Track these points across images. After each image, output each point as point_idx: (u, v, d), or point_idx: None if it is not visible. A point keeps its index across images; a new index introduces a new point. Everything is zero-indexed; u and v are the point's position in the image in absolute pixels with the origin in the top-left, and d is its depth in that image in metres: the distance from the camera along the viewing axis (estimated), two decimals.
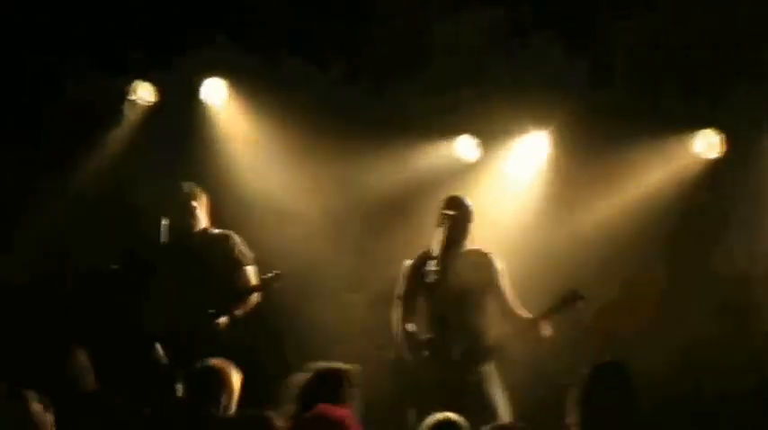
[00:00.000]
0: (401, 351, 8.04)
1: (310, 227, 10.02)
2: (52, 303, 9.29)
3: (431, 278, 7.88)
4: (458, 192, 8.41)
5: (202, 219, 8.68)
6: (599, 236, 9.51)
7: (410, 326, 8.05)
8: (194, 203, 8.62)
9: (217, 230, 8.74)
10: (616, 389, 5.38)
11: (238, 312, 8.52)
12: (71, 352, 6.67)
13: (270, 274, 8.50)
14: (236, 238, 8.72)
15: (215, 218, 8.99)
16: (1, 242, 9.74)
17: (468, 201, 8.25)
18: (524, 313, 7.98)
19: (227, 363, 6.56)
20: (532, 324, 7.92)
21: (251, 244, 9.01)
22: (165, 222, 8.64)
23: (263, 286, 8.52)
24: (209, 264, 8.52)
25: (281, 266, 8.84)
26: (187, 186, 8.69)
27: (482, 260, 8.15)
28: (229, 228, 9.03)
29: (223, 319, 8.43)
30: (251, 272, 8.64)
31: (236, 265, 8.60)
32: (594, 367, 5.50)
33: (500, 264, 8.15)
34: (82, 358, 6.73)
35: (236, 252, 8.64)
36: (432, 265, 7.92)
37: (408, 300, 8.14)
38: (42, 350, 7.04)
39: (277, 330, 9.75)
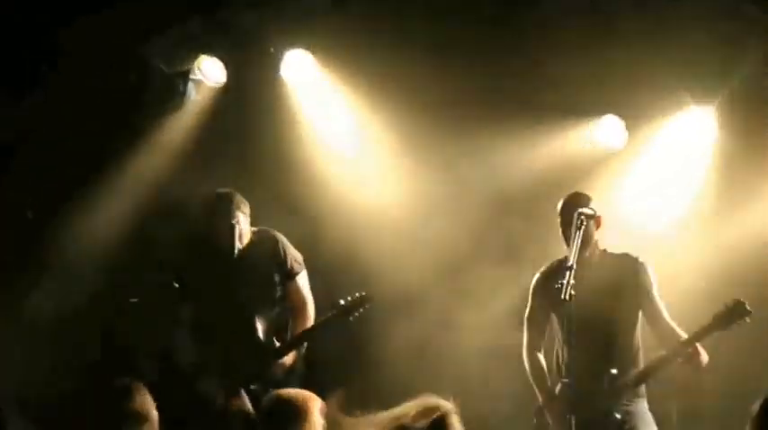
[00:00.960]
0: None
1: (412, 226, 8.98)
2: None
3: (567, 293, 6.52)
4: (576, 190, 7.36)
5: (246, 234, 7.63)
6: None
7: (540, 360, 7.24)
8: (237, 218, 7.56)
9: (258, 233, 7.70)
10: None
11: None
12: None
13: (353, 297, 7.44)
14: (284, 240, 7.72)
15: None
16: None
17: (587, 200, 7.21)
18: (680, 332, 6.99)
19: (306, 394, 5.77)
20: (690, 345, 6.87)
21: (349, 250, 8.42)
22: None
23: (344, 313, 7.50)
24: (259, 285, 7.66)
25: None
26: (227, 198, 7.61)
27: (632, 266, 7.16)
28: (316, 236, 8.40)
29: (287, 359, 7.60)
30: (304, 281, 7.74)
31: (289, 276, 7.69)
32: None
33: (653, 272, 7.17)
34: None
35: (290, 260, 7.71)
36: (568, 277, 6.57)
37: (537, 323, 7.25)
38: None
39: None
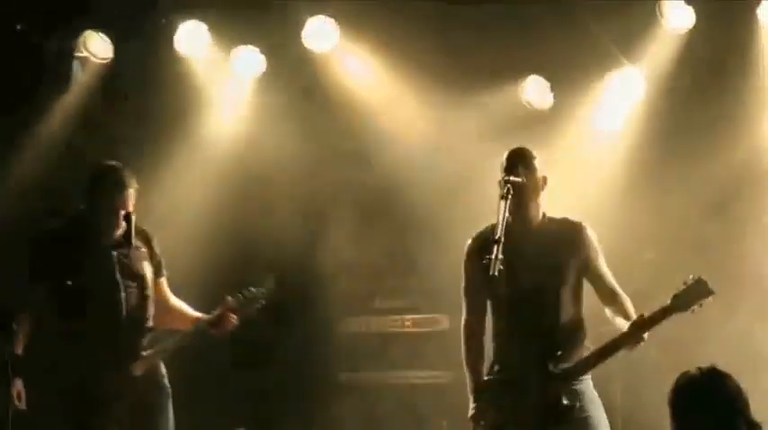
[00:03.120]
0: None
1: None
2: None
3: (495, 268, 5.94)
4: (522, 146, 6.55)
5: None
6: (704, 206, 8.29)
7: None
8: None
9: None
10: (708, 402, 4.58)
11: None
12: None
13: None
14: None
15: None
16: None
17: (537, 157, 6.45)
18: (628, 304, 6.39)
19: None
20: (647, 328, 6.17)
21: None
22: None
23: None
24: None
25: None
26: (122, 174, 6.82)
27: (571, 233, 6.45)
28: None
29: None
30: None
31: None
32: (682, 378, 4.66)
33: (595, 237, 6.49)
34: None
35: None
36: (495, 251, 5.98)
37: (475, 296, 6.48)
38: None
39: None
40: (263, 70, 8.88)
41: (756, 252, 8.21)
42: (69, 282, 6.56)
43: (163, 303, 6.86)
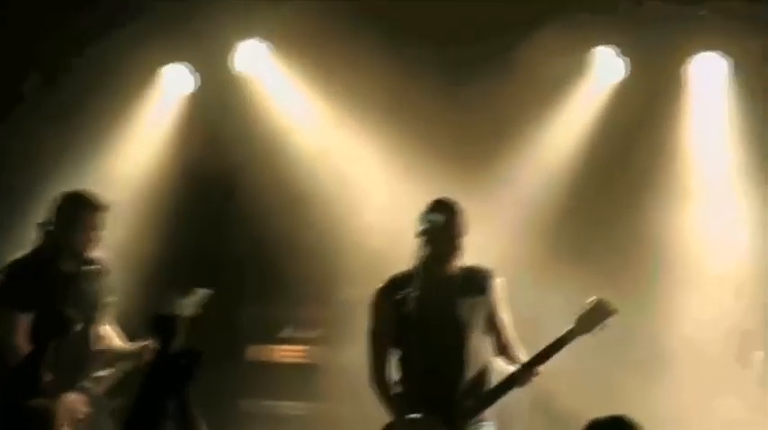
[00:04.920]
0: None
1: None
2: None
3: (409, 307, 6.21)
4: (445, 196, 6.55)
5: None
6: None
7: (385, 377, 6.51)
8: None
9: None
10: None
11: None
12: None
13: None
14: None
15: None
16: None
17: (459, 205, 6.45)
18: (522, 354, 6.40)
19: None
20: (545, 359, 6.24)
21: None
22: None
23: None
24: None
25: None
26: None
27: (481, 279, 6.48)
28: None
29: None
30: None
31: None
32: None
33: (502, 287, 6.51)
34: None
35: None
36: (411, 291, 6.23)
37: (381, 338, 6.47)
38: None
39: None
40: (193, 88, 8.88)
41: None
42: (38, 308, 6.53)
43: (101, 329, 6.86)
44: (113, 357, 6.90)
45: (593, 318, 6.21)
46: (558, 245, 8.49)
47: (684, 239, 8.38)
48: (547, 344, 6.22)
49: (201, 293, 6.77)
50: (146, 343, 6.65)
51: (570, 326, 6.19)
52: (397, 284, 6.38)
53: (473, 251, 6.46)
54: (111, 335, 6.95)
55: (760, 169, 8.26)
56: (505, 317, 6.46)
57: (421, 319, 6.23)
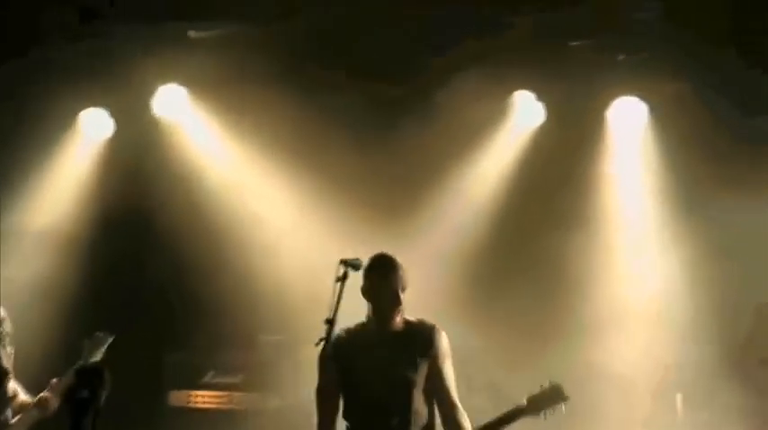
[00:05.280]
0: None
1: None
2: None
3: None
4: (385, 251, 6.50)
5: None
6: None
7: None
8: None
9: None
10: None
11: None
12: None
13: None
14: None
15: None
16: None
17: (397, 260, 6.40)
18: (466, 421, 6.32)
19: None
20: None
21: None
22: None
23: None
24: None
25: None
26: None
27: (424, 335, 6.42)
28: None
29: None
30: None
31: None
32: None
33: (446, 343, 6.42)
34: None
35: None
36: (327, 332, 6.05)
37: (329, 396, 6.38)
38: None
39: None
40: (112, 133, 8.83)
41: None
42: None
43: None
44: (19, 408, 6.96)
45: (545, 400, 6.23)
46: (481, 285, 8.50)
47: (606, 276, 8.46)
48: (495, 418, 6.24)
49: (104, 338, 6.76)
50: (46, 395, 6.76)
51: (521, 404, 6.21)
52: (342, 341, 6.33)
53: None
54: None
55: (676, 205, 8.39)
56: (449, 374, 6.40)
57: (366, 377, 6.23)
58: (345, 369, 6.28)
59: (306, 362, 6.51)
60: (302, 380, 6.80)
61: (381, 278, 6.31)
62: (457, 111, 8.40)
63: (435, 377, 6.36)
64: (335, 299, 6.09)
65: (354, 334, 6.38)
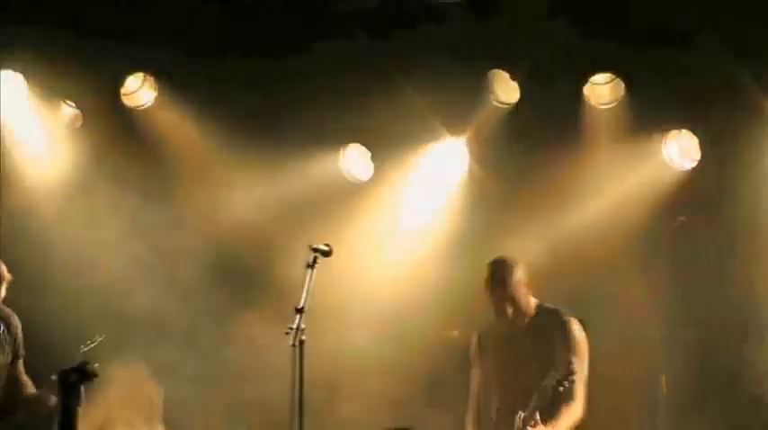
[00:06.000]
0: None
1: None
2: None
3: (296, 340, 5.97)
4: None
5: None
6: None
7: None
8: None
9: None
10: None
11: None
12: None
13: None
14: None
15: None
16: None
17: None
18: None
19: None
20: None
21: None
22: None
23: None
24: None
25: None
26: None
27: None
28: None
29: None
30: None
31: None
32: None
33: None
34: None
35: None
36: (297, 321, 5.98)
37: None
38: None
39: None
40: (79, 124, 8.59)
41: None
42: None
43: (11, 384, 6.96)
44: None
45: None
46: None
47: None
48: None
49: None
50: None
51: None
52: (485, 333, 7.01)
53: None
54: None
55: None
56: None
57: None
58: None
59: None
60: None
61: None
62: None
63: None
64: (306, 286, 6.00)
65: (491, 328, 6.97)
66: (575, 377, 6.46)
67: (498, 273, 6.83)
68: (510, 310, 6.79)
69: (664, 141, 8.01)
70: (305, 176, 8.48)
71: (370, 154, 8.54)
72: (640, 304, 7.80)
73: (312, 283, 6.05)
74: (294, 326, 5.84)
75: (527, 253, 7.89)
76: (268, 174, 8.43)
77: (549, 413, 6.50)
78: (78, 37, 7.98)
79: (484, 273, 6.99)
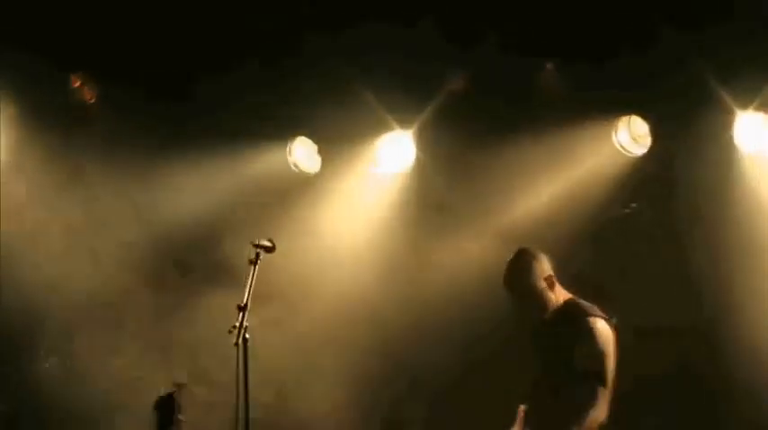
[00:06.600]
0: None
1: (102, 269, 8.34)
2: None
3: (239, 338, 5.89)
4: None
5: None
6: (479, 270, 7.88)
7: None
8: None
9: None
10: None
11: None
12: None
13: None
14: None
15: None
16: None
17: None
18: None
19: None
20: None
21: None
22: None
23: None
24: None
25: None
26: None
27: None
28: None
29: None
30: None
31: None
32: None
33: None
34: None
35: None
36: (240, 319, 5.89)
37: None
38: None
39: None
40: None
41: None
42: None
43: None
44: None
45: None
46: None
47: None
48: None
49: None
50: None
51: None
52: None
53: None
54: None
55: None
56: None
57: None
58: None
59: None
60: None
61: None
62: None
63: None
64: (249, 283, 5.87)
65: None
66: (595, 389, 6.25)
67: (512, 268, 6.54)
68: (532, 308, 6.52)
69: (615, 127, 7.92)
70: (251, 170, 8.37)
71: (317, 146, 8.43)
72: (591, 288, 7.72)
73: (255, 280, 5.94)
74: (237, 324, 5.72)
75: (477, 242, 7.98)
76: (213, 167, 8.32)
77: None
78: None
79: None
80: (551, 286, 6.44)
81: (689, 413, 7.59)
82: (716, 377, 7.55)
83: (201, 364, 7.93)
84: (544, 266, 6.44)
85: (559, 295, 6.47)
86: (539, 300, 6.44)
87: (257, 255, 6.01)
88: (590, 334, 6.26)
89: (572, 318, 6.36)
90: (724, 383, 7.48)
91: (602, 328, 6.29)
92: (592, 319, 6.30)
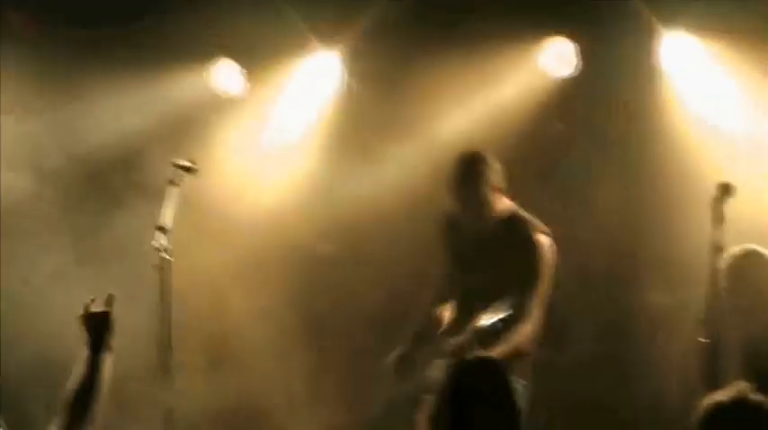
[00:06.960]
0: None
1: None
2: None
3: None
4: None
5: None
6: (404, 196, 7.99)
7: None
8: None
9: None
10: None
11: None
12: None
13: None
14: None
15: None
16: None
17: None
18: None
19: None
20: None
21: None
22: None
23: None
24: None
25: None
26: None
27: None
28: None
29: None
30: None
31: None
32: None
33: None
34: None
35: None
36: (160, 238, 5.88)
37: None
38: None
39: None
40: None
41: None
42: None
43: None
44: None
45: None
46: None
47: None
48: None
49: None
50: None
51: None
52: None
53: None
54: None
55: None
56: None
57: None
58: None
59: None
60: None
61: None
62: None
63: None
64: (167, 203, 5.81)
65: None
66: (531, 301, 6.25)
67: (469, 167, 6.40)
68: (480, 211, 6.39)
69: (540, 48, 7.90)
70: (173, 92, 8.19)
71: (240, 68, 8.26)
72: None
73: (175, 201, 5.86)
74: (157, 246, 5.66)
75: (402, 164, 7.93)
76: (134, 89, 8.12)
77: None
78: None
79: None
80: (499, 196, 6.39)
81: None
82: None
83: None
84: (498, 176, 6.39)
85: (503, 205, 6.43)
86: (485, 208, 6.37)
87: (178, 175, 5.95)
88: (535, 248, 6.30)
89: (517, 230, 6.35)
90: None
91: (546, 244, 6.34)
92: (537, 234, 6.34)
